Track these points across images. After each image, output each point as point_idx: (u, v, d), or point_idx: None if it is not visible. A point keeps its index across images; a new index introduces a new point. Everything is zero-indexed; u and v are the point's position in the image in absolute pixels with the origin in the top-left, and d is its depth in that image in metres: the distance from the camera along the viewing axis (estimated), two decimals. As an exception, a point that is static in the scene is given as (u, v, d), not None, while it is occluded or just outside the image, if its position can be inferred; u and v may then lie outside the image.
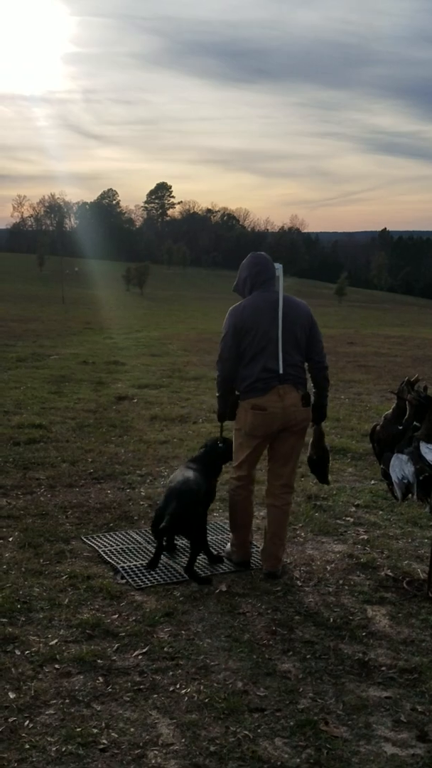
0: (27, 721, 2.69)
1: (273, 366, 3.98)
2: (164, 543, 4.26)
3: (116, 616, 3.53)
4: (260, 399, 3.99)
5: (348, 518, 5.06)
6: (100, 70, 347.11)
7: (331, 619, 3.59)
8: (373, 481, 5.88)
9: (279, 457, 4.17)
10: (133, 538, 4.58)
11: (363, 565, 4.26)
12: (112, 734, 2.63)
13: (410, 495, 4.03)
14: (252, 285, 4.14)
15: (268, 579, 4.05)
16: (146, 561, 4.17)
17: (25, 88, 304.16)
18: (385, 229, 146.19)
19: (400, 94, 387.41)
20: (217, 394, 4.29)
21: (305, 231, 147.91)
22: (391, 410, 4.21)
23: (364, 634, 3.46)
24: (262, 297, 4.08)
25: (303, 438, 4.18)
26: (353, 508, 5.27)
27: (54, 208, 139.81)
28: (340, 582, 4.03)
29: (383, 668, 3.16)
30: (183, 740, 2.62)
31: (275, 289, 4.12)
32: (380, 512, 5.21)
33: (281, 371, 3.99)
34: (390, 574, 4.15)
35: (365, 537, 4.71)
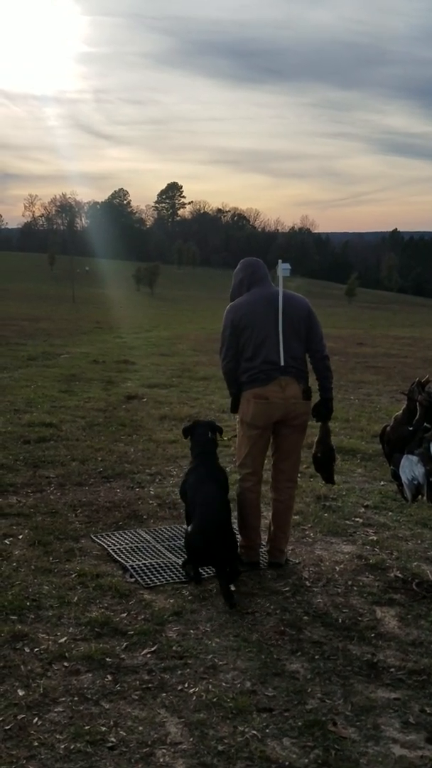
0: (36, 719, 2.70)
1: (274, 358, 4.05)
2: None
3: (125, 614, 3.53)
4: (262, 389, 4.05)
5: (357, 519, 5.05)
6: (111, 70, 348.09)
7: (340, 620, 3.58)
8: (382, 482, 5.86)
9: (281, 452, 4.24)
10: (142, 536, 4.59)
11: (372, 566, 4.25)
12: (121, 732, 2.64)
13: (420, 496, 4.02)
14: (249, 284, 4.24)
15: (272, 568, 4.15)
16: (156, 560, 4.17)
17: (37, 87, 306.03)
18: (396, 229, 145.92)
19: (413, 94, 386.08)
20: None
21: (316, 231, 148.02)
22: (401, 411, 4.20)
23: (372, 635, 3.45)
24: (260, 293, 4.17)
25: (304, 433, 4.23)
26: (362, 509, 5.26)
27: (65, 208, 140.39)
28: (349, 583, 4.02)
29: (392, 669, 3.15)
30: (191, 739, 2.62)
31: (272, 285, 4.21)
32: (390, 513, 5.20)
33: (282, 363, 4.05)
34: (399, 575, 4.14)
35: (374, 538, 4.70)
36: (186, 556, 4.11)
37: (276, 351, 4.05)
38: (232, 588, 3.82)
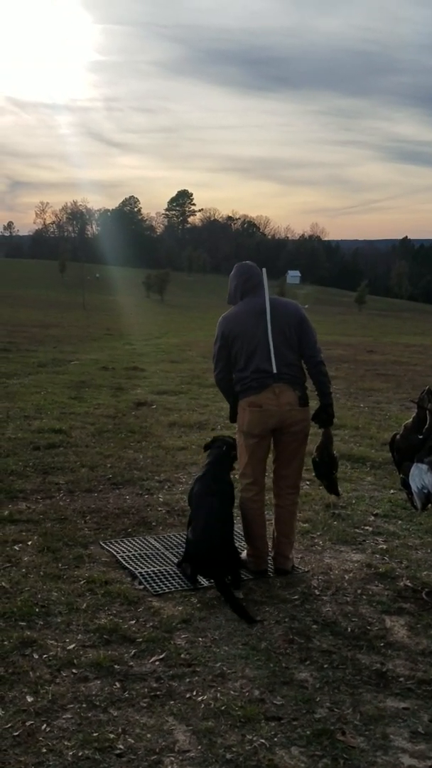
0: (44, 725, 2.70)
1: (266, 366, 4.06)
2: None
3: (133, 621, 3.53)
4: (256, 397, 4.07)
5: (367, 527, 5.04)
6: (122, 78, 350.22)
7: (349, 629, 3.57)
8: (392, 491, 5.84)
9: (282, 459, 4.25)
10: (151, 543, 4.59)
11: (381, 574, 4.24)
12: (129, 740, 2.63)
13: (430, 505, 4.00)
14: (242, 292, 4.26)
15: (278, 575, 4.15)
16: (165, 567, 4.18)
17: (48, 96, 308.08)
18: (407, 237, 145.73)
19: (422, 102, 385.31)
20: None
21: (326, 239, 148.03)
22: (411, 419, 4.19)
23: (382, 644, 3.44)
24: (251, 302, 4.19)
25: (305, 441, 4.21)
26: (372, 518, 5.24)
27: (76, 215, 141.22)
28: (358, 591, 4.01)
29: (401, 679, 3.14)
30: (199, 747, 2.61)
31: (265, 292, 4.21)
32: (399, 522, 5.18)
33: (275, 371, 4.05)
34: (409, 584, 4.12)
35: (384, 546, 4.69)
36: (182, 556, 4.17)
37: (267, 359, 4.06)
38: (240, 596, 3.82)
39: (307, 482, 5.32)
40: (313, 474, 4.55)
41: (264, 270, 4.30)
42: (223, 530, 4.02)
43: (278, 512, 4.29)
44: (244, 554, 4.33)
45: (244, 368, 4.13)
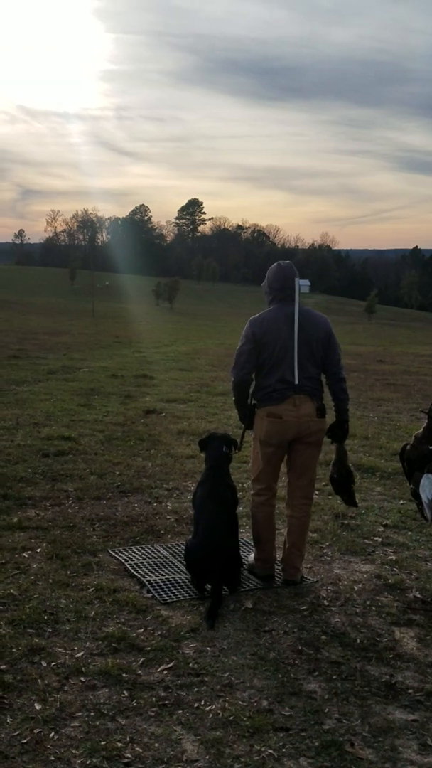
0: (52, 733, 2.70)
1: (289, 377, 4.07)
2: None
3: (142, 630, 3.53)
4: (276, 407, 4.08)
5: (376, 538, 5.02)
6: (133, 88, 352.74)
7: (358, 640, 3.55)
8: (402, 501, 5.82)
9: (296, 469, 4.24)
10: (159, 552, 4.59)
11: (391, 586, 4.22)
12: (137, 749, 2.63)
13: (440, 516, 3.98)
14: (273, 297, 4.24)
15: (286, 586, 4.15)
16: (173, 576, 4.17)
17: (59, 104, 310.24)
18: (417, 247, 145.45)
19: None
20: (233, 398, 4.36)
21: (335, 248, 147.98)
22: (421, 430, 4.18)
23: (391, 656, 3.42)
24: (282, 311, 4.16)
25: (319, 450, 4.24)
26: (381, 528, 5.22)
27: (86, 223, 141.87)
28: (368, 603, 3.99)
29: (410, 691, 3.12)
30: (207, 757, 2.60)
31: (295, 301, 4.18)
32: (409, 533, 5.16)
33: (297, 382, 4.07)
34: (418, 596, 4.10)
35: (393, 557, 4.66)
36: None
37: (291, 370, 4.07)
38: (249, 605, 3.81)
39: (317, 492, 5.29)
40: (323, 484, 4.55)
41: (297, 280, 4.23)
42: (228, 537, 4.06)
43: (291, 523, 4.29)
44: (251, 557, 4.34)
45: (267, 376, 4.13)
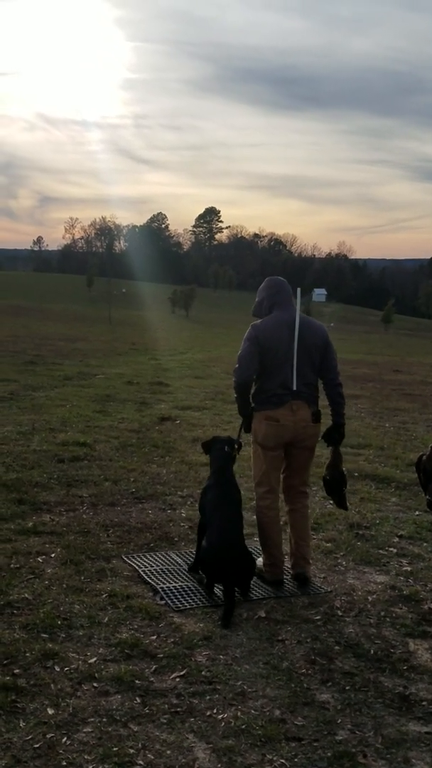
0: (65, 738, 2.70)
1: (288, 383, 4.20)
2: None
3: (155, 637, 3.53)
4: (274, 411, 4.22)
5: (391, 549, 4.99)
6: (152, 96, 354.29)
7: (372, 651, 3.53)
8: (417, 512, 5.78)
9: (291, 470, 4.42)
10: (172, 559, 4.59)
11: (406, 597, 4.19)
12: (149, 755, 2.63)
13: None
14: (271, 305, 4.35)
15: (297, 581, 4.24)
16: (186, 583, 4.18)
17: (78, 113, 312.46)
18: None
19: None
20: (235, 395, 4.47)
21: (353, 257, 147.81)
22: (437, 440, 4.16)
23: (405, 667, 3.39)
24: (282, 316, 4.29)
25: (313, 453, 4.43)
26: (396, 539, 5.19)
27: (104, 231, 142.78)
28: (382, 614, 3.97)
29: (424, 703, 3.09)
30: (219, 765, 2.59)
31: (293, 309, 4.31)
32: (425, 544, 5.12)
33: (295, 388, 4.20)
34: (433, 607, 4.07)
35: (408, 569, 4.63)
36: (193, 562, 4.31)
37: (291, 377, 4.19)
38: (263, 614, 3.80)
39: (330, 503, 5.27)
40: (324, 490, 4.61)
41: (299, 290, 4.42)
42: (241, 539, 4.10)
43: (293, 516, 4.41)
44: (259, 562, 4.34)
45: (267, 381, 4.25)
